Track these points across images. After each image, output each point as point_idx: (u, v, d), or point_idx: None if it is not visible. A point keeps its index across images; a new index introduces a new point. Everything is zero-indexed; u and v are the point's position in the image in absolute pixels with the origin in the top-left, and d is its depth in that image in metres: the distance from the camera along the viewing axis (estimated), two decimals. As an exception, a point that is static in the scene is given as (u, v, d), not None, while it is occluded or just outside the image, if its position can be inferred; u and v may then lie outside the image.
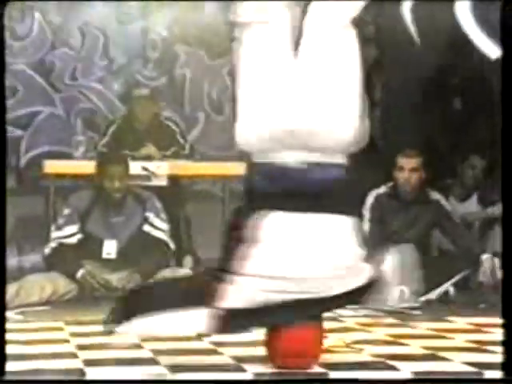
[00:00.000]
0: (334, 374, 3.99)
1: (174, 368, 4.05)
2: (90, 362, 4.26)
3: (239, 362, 4.24)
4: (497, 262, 6.98)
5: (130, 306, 4.20)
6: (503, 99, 4.11)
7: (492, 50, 8.84)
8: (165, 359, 4.27)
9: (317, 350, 4.09)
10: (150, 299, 4.14)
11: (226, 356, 4.44)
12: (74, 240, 6.54)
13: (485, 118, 8.14)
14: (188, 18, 8.75)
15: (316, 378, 3.95)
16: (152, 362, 4.27)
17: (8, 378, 3.78)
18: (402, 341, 4.91)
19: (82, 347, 4.66)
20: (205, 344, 4.73)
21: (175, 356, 4.42)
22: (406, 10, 8.76)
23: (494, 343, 4.86)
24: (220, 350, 4.58)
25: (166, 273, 6.45)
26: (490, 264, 6.90)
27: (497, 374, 3.94)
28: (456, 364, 4.29)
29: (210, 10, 8.72)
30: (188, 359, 4.37)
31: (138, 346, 4.64)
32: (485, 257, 6.84)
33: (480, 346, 4.81)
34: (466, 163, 7.60)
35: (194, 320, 3.97)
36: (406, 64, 8.43)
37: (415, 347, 4.73)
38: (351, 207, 4.09)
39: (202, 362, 4.33)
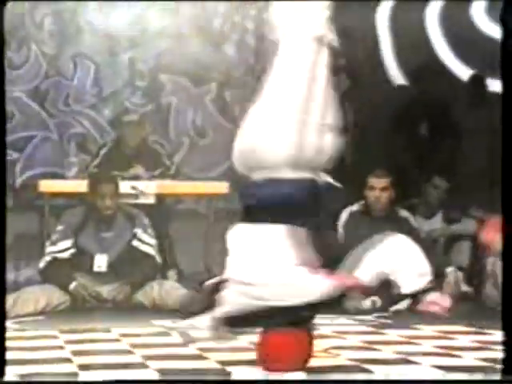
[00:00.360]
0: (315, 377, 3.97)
1: (163, 372, 4.01)
2: (83, 367, 4.25)
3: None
4: (460, 275, 7.02)
5: None
6: (503, 99, 4.04)
7: (463, 72, 8.91)
8: (154, 364, 4.24)
9: (303, 355, 4.06)
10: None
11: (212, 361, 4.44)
12: (67, 254, 6.51)
13: (448, 143, 8.18)
14: (174, 49, 8.76)
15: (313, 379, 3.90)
16: (142, 366, 4.24)
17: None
18: (375, 346, 4.92)
19: (75, 353, 4.64)
20: (191, 350, 4.73)
21: (164, 361, 4.40)
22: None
23: (459, 348, 4.89)
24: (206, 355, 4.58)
25: (153, 285, 6.45)
26: (453, 276, 6.92)
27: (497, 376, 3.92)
28: (425, 367, 4.30)
29: (195, 41, 8.75)
30: (177, 364, 4.37)
31: (130, 352, 4.63)
32: (449, 270, 6.86)
33: (447, 351, 4.82)
34: (430, 184, 7.62)
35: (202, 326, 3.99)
36: (377, 91, 8.49)
37: (387, 352, 4.74)
38: (307, 219, 4.05)
39: (190, 366, 4.33)
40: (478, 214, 7.40)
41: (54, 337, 5.21)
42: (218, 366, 4.32)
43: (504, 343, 3.86)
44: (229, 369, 4.22)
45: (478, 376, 4.06)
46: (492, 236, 6.31)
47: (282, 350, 3.96)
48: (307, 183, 3.97)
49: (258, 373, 3.99)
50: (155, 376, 4.07)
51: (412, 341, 5.15)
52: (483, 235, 6.45)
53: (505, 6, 4.15)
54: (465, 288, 6.90)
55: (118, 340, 5.12)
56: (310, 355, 4.01)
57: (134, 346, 4.86)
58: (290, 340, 3.97)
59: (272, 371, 3.98)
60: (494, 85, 8.37)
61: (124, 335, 5.22)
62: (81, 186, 6.77)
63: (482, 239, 6.48)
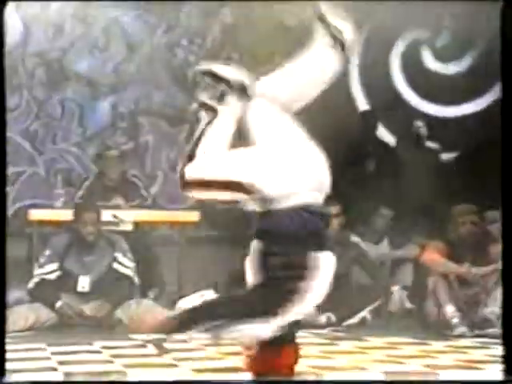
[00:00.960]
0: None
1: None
2: (68, 374, 4.20)
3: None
4: (404, 293, 7.02)
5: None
6: (503, 99, 3.86)
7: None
8: (132, 372, 4.19)
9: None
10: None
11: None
12: (53, 276, 6.44)
13: (391, 178, 8.19)
14: (151, 94, 8.78)
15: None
16: (122, 373, 4.19)
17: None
18: (331, 355, 4.91)
19: (60, 363, 4.59)
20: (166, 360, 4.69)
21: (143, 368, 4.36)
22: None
23: (404, 357, 4.89)
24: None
25: (131, 303, 6.39)
26: (398, 295, 6.93)
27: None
28: (375, 373, 4.30)
29: (170, 86, 8.77)
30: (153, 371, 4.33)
31: (110, 362, 4.58)
32: (395, 289, 6.87)
33: (394, 359, 4.82)
34: (377, 213, 7.64)
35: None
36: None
37: (342, 361, 4.73)
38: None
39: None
40: (420, 239, 7.42)
41: (42, 349, 5.15)
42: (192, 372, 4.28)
43: (504, 344, 3.72)
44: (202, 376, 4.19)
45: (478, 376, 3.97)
46: (432, 258, 6.33)
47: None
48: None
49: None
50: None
51: (363, 351, 5.15)
52: (424, 257, 6.46)
53: (505, 6, 3.85)
54: (408, 305, 6.91)
55: (99, 352, 5.06)
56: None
57: (114, 356, 4.82)
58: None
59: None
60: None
61: (104, 347, 5.17)
62: (66, 214, 6.71)
63: (423, 261, 6.49)
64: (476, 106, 9.02)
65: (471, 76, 8.98)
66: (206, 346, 5.23)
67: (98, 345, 5.28)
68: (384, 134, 8.80)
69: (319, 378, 3.80)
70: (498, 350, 5.17)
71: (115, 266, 6.51)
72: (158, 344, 5.26)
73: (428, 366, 4.57)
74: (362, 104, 9.11)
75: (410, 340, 5.63)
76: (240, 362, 4.37)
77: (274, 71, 3.98)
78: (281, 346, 3.90)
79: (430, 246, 6.53)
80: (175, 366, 4.53)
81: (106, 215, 6.78)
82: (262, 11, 8.76)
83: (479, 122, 8.78)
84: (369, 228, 7.61)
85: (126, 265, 6.54)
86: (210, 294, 6.50)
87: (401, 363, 4.68)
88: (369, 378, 4.17)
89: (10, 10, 8.22)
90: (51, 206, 7.74)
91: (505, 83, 3.85)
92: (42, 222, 7.18)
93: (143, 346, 5.29)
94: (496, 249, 6.41)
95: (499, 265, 6.20)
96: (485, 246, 6.36)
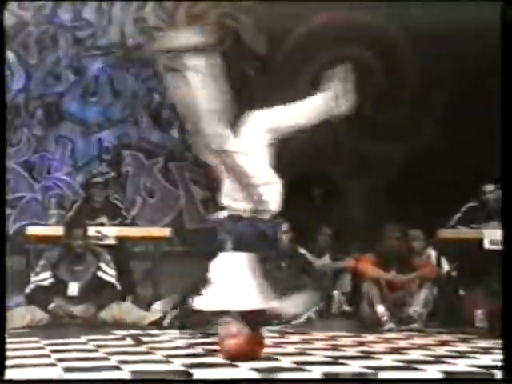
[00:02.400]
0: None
1: (135, 374, 3.83)
2: (59, 360, 4.13)
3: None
4: (343, 297, 7.03)
5: None
6: (503, 99, 3.60)
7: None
8: (127, 367, 4.07)
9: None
10: None
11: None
12: (47, 283, 6.38)
13: (334, 203, 8.21)
14: (132, 132, 8.77)
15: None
16: (115, 368, 3.99)
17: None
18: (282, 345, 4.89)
19: (53, 351, 4.52)
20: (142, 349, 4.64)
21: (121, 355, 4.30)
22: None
23: (342, 345, 4.89)
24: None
25: (113, 306, 6.33)
26: (338, 299, 6.95)
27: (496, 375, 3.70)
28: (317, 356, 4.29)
29: (148, 126, 8.78)
30: (131, 357, 4.27)
31: (106, 358, 4.48)
32: (335, 293, 6.88)
33: (334, 347, 4.82)
34: (319, 231, 7.63)
35: None
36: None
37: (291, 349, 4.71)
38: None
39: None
40: (355, 253, 7.45)
41: (37, 341, 5.07)
42: (164, 358, 4.23)
43: (504, 344, 3.53)
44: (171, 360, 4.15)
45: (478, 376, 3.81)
46: (365, 266, 6.36)
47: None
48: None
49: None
50: (116, 366, 3.94)
51: (309, 343, 5.13)
52: (359, 266, 6.49)
53: (505, 6, 3.61)
54: (346, 307, 6.93)
55: (85, 343, 4.99)
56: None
57: (98, 346, 4.76)
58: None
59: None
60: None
61: (90, 340, 5.10)
62: (58, 231, 6.65)
63: (358, 269, 6.52)
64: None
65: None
66: (175, 338, 5.23)
67: (84, 338, 5.20)
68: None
69: (320, 378, 3.77)
70: (419, 340, 5.25)
71: (100, 274, 6.47)
72: (135, 337, 5.23)
73: (363, 351, 4.57)
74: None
75: (348, 334, 5.64)
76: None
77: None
78: (256, 334, 3.94)
79: (364, 257, 6.58)
80: (150, 353, 4.47)
81: (92, 231, 6.74)
82: (229, 60, 8.83)
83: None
84: (313, 244, 7.61)
85: (108, 273, 6.50)
86: (179, 298, 6.48)
87: (341, 350, 4.67)
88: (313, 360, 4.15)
89: (12, 59, 8.28)
90: (46, 225, 7.71)
91: (505, 83, 3.61)
92: (37, 238, 7.09)
93: (123, 339, 5.22)
94: (418, 261, 6.48)
95: (421, 272, 6.28)
96: (408, 258, 6.40)
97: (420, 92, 8.76)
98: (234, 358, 3.95)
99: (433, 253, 7.28)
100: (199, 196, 8.76)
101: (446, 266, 7.24)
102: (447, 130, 8.65)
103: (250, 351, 3.99)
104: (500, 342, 4.77)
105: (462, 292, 6.63)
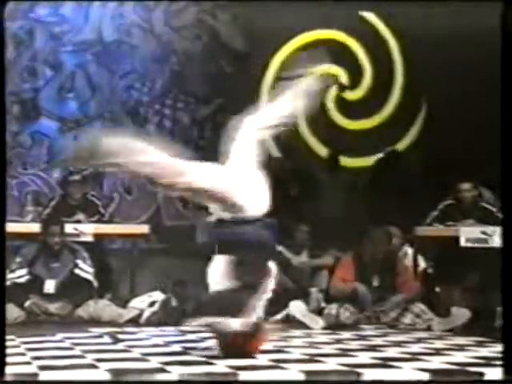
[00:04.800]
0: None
1: (113, 372, 3.81)
2: (34, 358, 4.10)
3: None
4: (321, 295, 7.02)
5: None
6: (503, 99, 3.49)
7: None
8: (103, 365, 4.04)
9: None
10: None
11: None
12: (23, 280, 6.35)
13: (311, 201, 8.22)
14: (108, 128, 8.70)
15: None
16: (92, 366, 3.95)
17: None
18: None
19: (28, 349, 4.49)
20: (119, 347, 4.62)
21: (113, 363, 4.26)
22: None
23: (320, 343, 4.90)
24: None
25: (90, 303, 6.30)
26: (316, 296, 6.93)
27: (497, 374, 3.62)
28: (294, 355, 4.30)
29: (124, 122, 8.73)
30: (107, 355, 4.25)
31: (71, 348, 4.48)
32: (312, 290, 6.87)
33: (310, 344, 4.83)
34: (297, 229, 7.58)
35: None
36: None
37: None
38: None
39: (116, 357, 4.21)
40: (333, 251, 7.44)
41: (13, 339, 5.02)
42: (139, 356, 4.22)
43: (504, 344, 3.44)
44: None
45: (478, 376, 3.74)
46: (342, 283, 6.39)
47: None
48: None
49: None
50: (93, 365, 3.92)
51: (286, 340, 5.14)
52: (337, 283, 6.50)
53: (505, 6, 3.54)
54: (323, 304, 6.90)
55: (61, 341, 4.96)
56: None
57: (75, 344, 4.73)
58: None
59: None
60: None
61: (67, 338, 5.07)
62: (35, 227, 6.60)
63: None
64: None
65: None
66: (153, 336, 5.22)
67: (60, 336, 5.17)
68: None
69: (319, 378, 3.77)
70: (395, 338, 5.27)
71: (76, 271, 6.44)
72: (112, 335, 5.20)
73: (339, 349, 4.59)
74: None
75: (325, 331, 5.66)
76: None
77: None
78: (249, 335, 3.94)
79: (343, 262, 6.60)
80: (127, 351, 4.45)
81: (69, 228, 6.70)
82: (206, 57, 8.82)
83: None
84: (291, 242, 7.57)
85: (85, 270, 6.47)
86: (157, 295, 6.46)
87: (317, 348, 4.69)
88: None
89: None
90: (22, 222, 7.64)
91: (505, 83, 3.51)
92: (13, 234, 7.01)
93: (100, 336, 5.19)
94: (400, 268, 6.46)
95: (401, 296, 6.24)
96: (390, 265, 6.41)
97: (409, 93, 8.84)
98: (234, 352, 3.95)
99: (409, 250, 7.32)
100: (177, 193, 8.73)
101: (422, 263, 7.28)
102: (428, 128, 8.73)
103: (249, 346, 3.99)
104: (481, 339, 4.89)
105: (438, 289, 6.68)
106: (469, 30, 8.15)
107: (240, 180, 3.97)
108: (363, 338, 5.28)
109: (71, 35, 8.60)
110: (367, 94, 8.94)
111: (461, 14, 8.26)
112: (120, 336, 5.17)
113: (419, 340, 5.14)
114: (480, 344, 4.88)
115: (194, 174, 3.82)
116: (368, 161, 8.79)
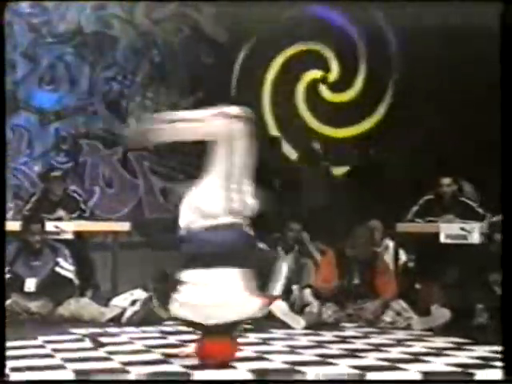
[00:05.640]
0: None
1: (79, 372, 3.83)
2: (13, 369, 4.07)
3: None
4: (306, 291, 6.97)
5: None
6: (503, 99, 3.49)
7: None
8: (72, 365, 4.06)
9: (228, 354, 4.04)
10: None
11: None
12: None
13: (301, 199, 8.16)
14: (90, 121, 8.65)
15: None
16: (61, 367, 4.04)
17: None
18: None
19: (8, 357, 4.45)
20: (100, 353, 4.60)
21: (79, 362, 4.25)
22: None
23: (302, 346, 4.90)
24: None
25: (71, 301, 6.27)
26: (299, 293, 6.91)
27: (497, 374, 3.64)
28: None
29: (106, 115, 8.66)
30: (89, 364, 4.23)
31: (51, 356, 4.45)
32: (294, 288, 6.84)
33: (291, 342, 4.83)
34: (287, 227, 7.47)
35: None
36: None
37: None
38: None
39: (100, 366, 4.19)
40: (322, 247, 7.39)
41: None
42: (121, 366, 4.19)
43: (504, 345, 3.44)
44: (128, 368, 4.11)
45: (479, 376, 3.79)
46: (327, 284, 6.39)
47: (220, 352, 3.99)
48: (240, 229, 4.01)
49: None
50: (72, 375, 3.90)
51: (267, 341, 5.14)
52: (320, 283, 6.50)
53: (505, 5, 3.53)
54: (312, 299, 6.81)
55: (42, 346, 4.92)
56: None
57: (55, 350, 4.69)
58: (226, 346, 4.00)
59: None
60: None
61: (47, 342, 5.04)
62: (15, 225, 6.54)
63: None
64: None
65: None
66: (134, 339, 5.19)
67: (41, 339, 5.13)
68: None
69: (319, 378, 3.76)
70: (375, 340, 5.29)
71: (57, 269, 6.40)
72: (93, 338, 5.16)
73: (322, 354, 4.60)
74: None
75: (307, 331, 5.68)
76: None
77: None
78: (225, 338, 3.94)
79: (325, 257, 6.59)
80: (107, 359, 4.42)
81: (50, 226, 6.64)
82: (186, 50, 8.75)
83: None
84: (281, 238, 7.45)
85: (66, 268, 6.43)
86: (138, 293, 6.42)
87: (297, 351, 4.69)
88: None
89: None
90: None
91: (505, 83, 3.52)
92: (-7, 232, 6.95)
93: (81, 340, 5.16)
94: (381, 265, 6.46)
95: (383, 299, 6.24)
96: (372, 262, 6.41)
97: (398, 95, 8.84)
98: (209, 359, 3.95)
99: (390, 243, 7.33)
100: (158, 186, 8.69)
101: (403, 257, 7.29)
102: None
103: (224, 356, 4.00)
104: (461, 340, 4.91)
105: (418, 286, 6.70)
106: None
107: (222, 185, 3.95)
108: (344, 340, 5.28)
109: (50, 26, 8.48)
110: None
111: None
112: (101, 339, 5.12)
113: (399, 342, 5.15)
114: (459, 347, 4.90)
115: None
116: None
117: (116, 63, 8.70)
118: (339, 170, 8.78)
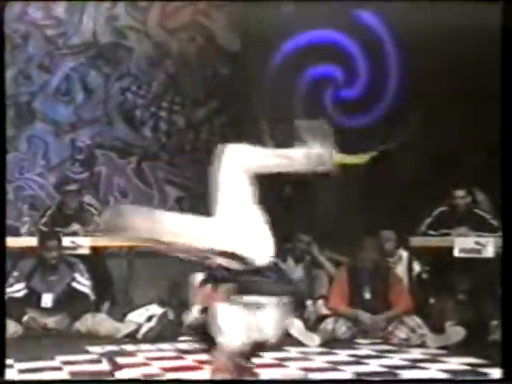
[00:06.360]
0: None
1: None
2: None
3: None
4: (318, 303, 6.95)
5: None
6: (503, 99, 3.43)
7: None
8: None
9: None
10: None
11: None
12: (20, 294, 6.33)
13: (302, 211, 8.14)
14: (105, 131, 8.67)
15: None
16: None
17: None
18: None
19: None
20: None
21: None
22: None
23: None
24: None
25: (88, 317, 6.30)
26: (313, 305, 6.89)
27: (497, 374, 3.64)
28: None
29: (120, 125, 8.67)
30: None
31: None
32: (308, 303, 6.81)
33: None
34: (296, 238, 7.46)
35: None
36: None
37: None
38: None
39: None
40: (337, 257, 7.37)
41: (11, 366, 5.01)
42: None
43: (504, 344, 3.44)
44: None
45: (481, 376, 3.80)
46: (337, 305, 6.34)
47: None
48: None
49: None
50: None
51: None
52: (331, 304, 6.44)
53: (505, 5, 3.51)
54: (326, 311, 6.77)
55: (59, 368, 4.95)
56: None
57: (73, 374, 4.72)
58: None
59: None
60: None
61: (65, 363, 5.06)
62: (32, 241, 6.57)
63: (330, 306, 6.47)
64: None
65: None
66: (152, 360, 5.20)
67: (58, 360, 5.14)
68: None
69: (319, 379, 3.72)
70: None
71: (74, 284, 6.43)
72: (110, 359, 5.18)
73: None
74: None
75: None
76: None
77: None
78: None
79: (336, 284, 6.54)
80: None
81: (66, 241, 6.67)
82: (199, 60, 8.73)
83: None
84: (291, 248, 7.46)
85: (83, 283, 6.46)
86: (154, 309, 6.44)
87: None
88: None
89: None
90: (17, 230, 7.61)
91: (505, 83, 3.46)
92: (10, 248, 6.99)
93: (99, 361, 5.18)
94: (392, 279, 6.43)
95: (395, 312, 6.20)
96: (383, 277, 6.38)
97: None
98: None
99: (404, 254, 7.30)
100: (173, 196, 8.71)
101: (417, 268, 7.26)
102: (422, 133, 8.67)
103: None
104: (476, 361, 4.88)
105: (432, 300, 6.67)
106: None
107: (235, 226, 3.85)
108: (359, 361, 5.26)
109: (66, 38, 8.50)
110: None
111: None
112: (117, 360, 5.14)
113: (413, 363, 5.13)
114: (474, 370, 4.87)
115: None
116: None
117: (130, 74, 8.71)
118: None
